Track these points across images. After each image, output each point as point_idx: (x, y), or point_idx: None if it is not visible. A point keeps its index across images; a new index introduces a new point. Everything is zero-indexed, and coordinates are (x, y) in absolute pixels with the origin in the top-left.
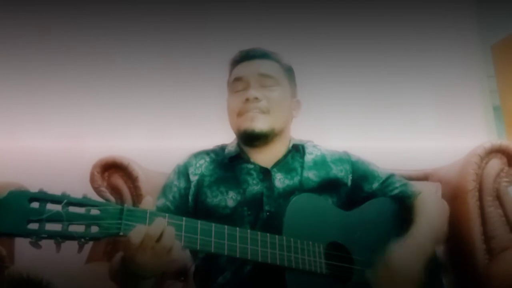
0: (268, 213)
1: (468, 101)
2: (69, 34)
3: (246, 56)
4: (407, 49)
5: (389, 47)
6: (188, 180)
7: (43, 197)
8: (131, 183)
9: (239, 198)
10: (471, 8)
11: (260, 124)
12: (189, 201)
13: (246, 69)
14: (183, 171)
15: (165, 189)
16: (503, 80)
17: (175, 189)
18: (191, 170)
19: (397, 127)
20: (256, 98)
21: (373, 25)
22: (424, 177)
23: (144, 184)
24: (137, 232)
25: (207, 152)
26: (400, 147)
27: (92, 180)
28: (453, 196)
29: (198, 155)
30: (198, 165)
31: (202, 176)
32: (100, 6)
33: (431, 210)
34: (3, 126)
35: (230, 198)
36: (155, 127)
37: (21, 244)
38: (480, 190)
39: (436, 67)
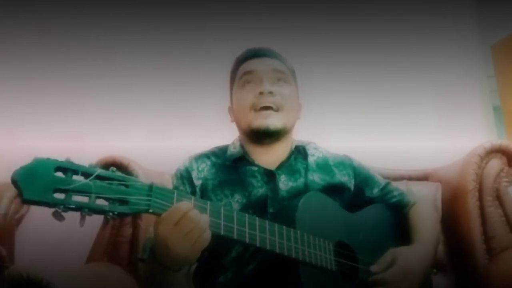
0: (271, 215)
1: (468, 101)
2: (69, 34)
3: (256, 54)
4: (407, 49)
5: (389, 47)
6: (193, 185)
7: (70, 167)
8: None
9: (244, 201)
10: (471, 8)
11: (274, 121)
12: None
13: (258, 64)
14: (186, 176)
15: None
16: (503, 80)
17: (189, 194)
18: (194, 174)
19: (397, 127)
20: (271, 92)
21: (373, 25)
22: (424, 177)
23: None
24: (177, 210)
25: (207, 156)
26: (400, 147)
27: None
28: (453, 196)
29: (198, 159)
30: (200, 169)
31: (205, 180)
32: (100, 6)
33: (428, 221)
34: (3, 126)
35: (235, 202)
36: (155, 127)
37: (21, 244)
38: (480, 190)
39: (436, 67)
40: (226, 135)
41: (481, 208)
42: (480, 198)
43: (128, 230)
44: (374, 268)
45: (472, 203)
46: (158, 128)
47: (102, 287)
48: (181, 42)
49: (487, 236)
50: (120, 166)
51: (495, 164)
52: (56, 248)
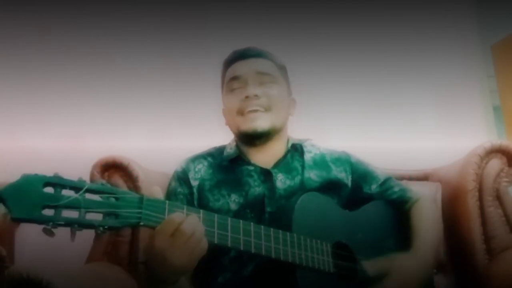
0: (269, 214)
1: (468, 101)
2: (69, 34)
3: (241, 56)
4: (407, 49)
5: (389, 47)
6: (190, 186)
7: (59, 182)
8: (131, 183)
9: (241, 200)
10: (471, 8)
11: (261, 123)
12: (195, 206)
13: (243, 67)
14: (183, 177)
15: (169, 198)
16: (503, 80)
17: (181, 196)
18: (191, 175)
19: (397, 127)
20: (256, 95)
21: (373, 25)
22: (424, 177)
23: (144, 184)
24: (171, 221)
25: (203, 156)
26: (400, 147)
27: (92, 180)
28: (453, 196)
29: (195, 159)
30: (197, 169)
31: (202, 180)
32: (100, 6)
33: (429, 219)
34: (3, 126)
35: (232, 202)
36: (155, 127)
37: (21, 244)
38: (480, 190)
39: (436, 67)
40: (226, 135)
41: (481, 208)
42: (480, 198)
43: (128, 230)
44: (367, 265)
45: (472, 203)
46: (158, 128)
47: (102, 287)
48: (181, 42)
49: (487, 236)
50: (120, 166)
51: (495, 164)
52: (56, 248)
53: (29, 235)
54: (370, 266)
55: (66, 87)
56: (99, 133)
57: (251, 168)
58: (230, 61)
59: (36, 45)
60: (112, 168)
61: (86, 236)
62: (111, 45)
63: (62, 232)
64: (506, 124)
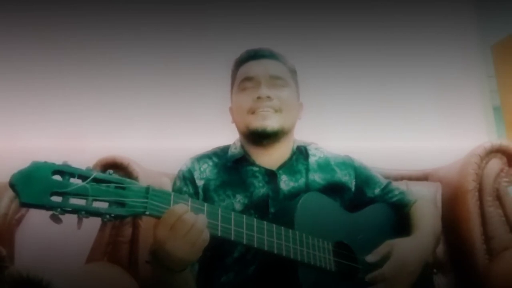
0: (272, 215)
1: (468, 101)
2: (69, 34)
3: (254, 56)
4: (407, 49)
5: (389, 48)
6: (195, 186)
7: (67, 171)
8: None
9: (246, 201)
10: (471, 8)
11: (272, 123)
12: None
13: (256, 68)
14: (188, 177)
15: None
16: (503, 80)
17: (186, 195)
18: (196, 175)
19: (397, 127)
20: (269, 97)
21: (373, 25)
22: (424, 177)
23: (144, 184)
24: (173, 212)
25: (208, 156)
26: (400, 147)
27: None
28: (453, 196)
29: (200, 159)
30: (202, 169)
31: (207, 180)
32: (100, 6)
33: (428, 217)
34: (3, 126)
35: (237, 202)
36: (155, 127)
37: (21, 244)
38: (480, 190)
39: (436, 67)
40: (227, 135)
41: (481, 208)
42: (480, 198)
43: (128, 230)
44: (369, 258)
45: (472, 203)
46: (158, 128)
47: (102, 287)
48: (181, 42)
49: (487, 236)
50: (120, 166)
51: (495, 164)
52: (56, 248)
53: (29, 235)
54: (372, 256)
55: (66, 87)
56: (99, 133)
57: (256, 169)
58: (243, 60)
59: (36, 45)
60: (112, 168)
61: (87, 236)
62: (111, 45)
63: (63, 232)
64: (506, 124)
